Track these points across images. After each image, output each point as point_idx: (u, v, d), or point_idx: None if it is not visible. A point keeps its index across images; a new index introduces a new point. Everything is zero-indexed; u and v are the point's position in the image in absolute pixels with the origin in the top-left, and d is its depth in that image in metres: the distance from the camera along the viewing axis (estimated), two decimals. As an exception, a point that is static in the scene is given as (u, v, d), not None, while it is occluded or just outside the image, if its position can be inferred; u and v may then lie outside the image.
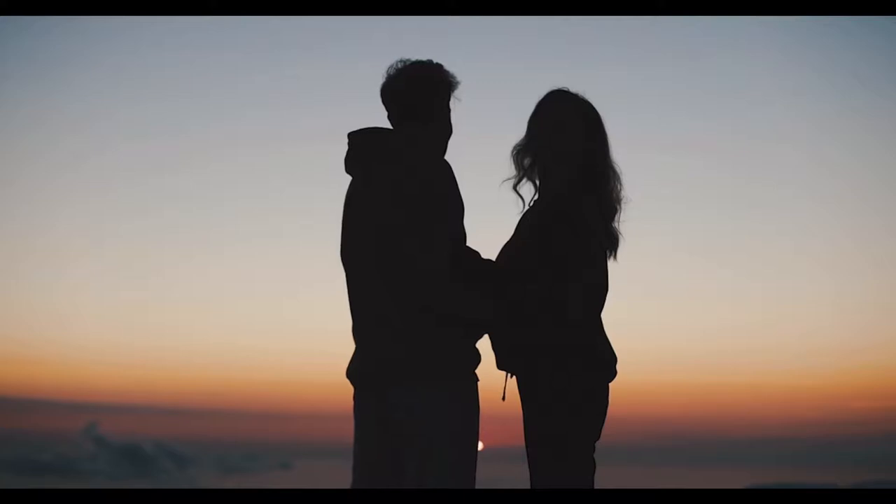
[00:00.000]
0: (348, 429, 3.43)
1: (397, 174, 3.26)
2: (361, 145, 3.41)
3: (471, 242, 3.37)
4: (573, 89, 3.63)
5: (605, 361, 3.47)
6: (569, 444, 3.40)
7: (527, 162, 3.65)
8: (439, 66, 3.45)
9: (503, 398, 3.52)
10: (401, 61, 3.45)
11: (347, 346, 3.44)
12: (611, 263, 3.56)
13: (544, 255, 3.41)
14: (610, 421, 3.50)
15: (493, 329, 3.42)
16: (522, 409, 3.49)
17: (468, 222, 3.32)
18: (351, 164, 3.45)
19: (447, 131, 3.49)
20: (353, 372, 3.40)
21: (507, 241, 3.60)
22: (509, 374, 3.53)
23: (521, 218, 3.64)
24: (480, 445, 3.34)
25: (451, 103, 3.48)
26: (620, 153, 3.63)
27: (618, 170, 3.63)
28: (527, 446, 3.49)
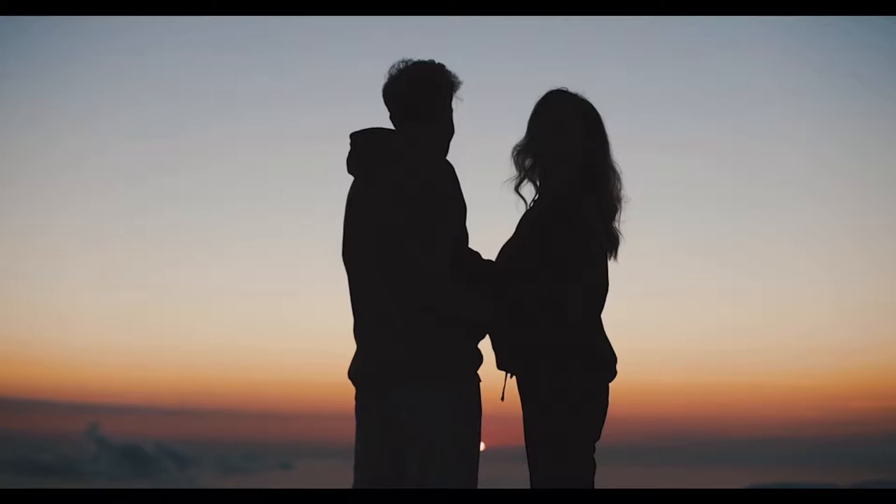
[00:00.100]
0: (349, 429, 3.44)
1: (399, 175, 3.26)
2: (364, 146, 3.41)
3: (472, 242, 3.37)
4: (573, 89, 3.63)
5: (605, 361, 3.47)
6: (569, 444, 3.40)
7: (527, 162, 3.66)
8: (441, 66, 3.45)
9: (502, 398, 3.52)
10: (402, 62, 3.45)
11: (348, 347, 3.45)
12: (611, 263, 3.56)
13: (544, 254, 3.41)
14: (610, 421, 3.51)
15: (494, 329, 3.42)
16: (522, 409, 3.49)
17: (469, 222, 3.32)
18: (353, 164, 3.45)
19: (449, 132, 3.49)
20: (354, 372, 3.40)
21: (508, 241, 3.60)
22: (509, 374, 3.53)
23: (522, 217, 3.64)
24: (482, 446, 3.34)
25: (454, 104, 3.48)
26: (620, 153, 3.64)
27: (618, 170, 3.63)
28: (527, 446, 3.49)
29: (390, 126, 3.48)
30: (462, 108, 3.50)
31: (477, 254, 3.40)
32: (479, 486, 3.32)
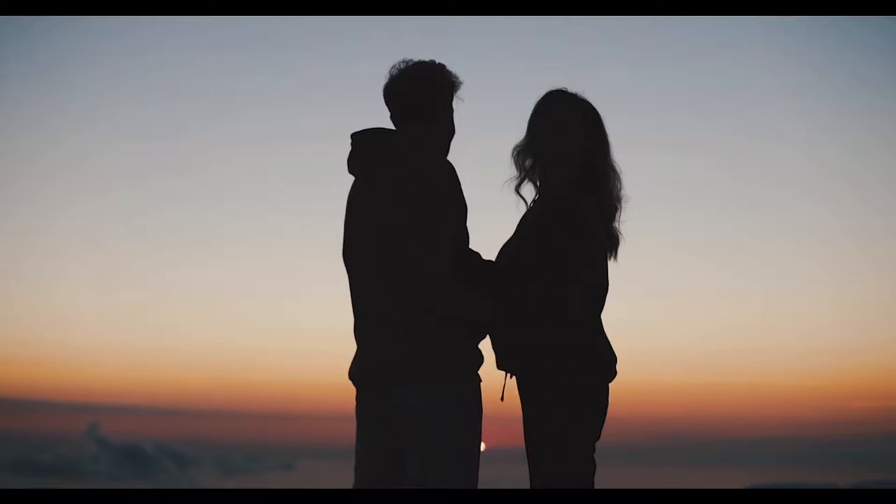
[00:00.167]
0: (350, 429, 3.44)
1: (400, 175, 3.26)
2: (365, 146, 3.42)
3: (472, 242, 3.37)
4: (573, 89, 3.63)
5: (605, 361, 3.47)
6: (569, 445, 3.40)
7: (527, 162, 3.66)
8: (442, 66, 3.45)
9: (502, 398, 3.52)
10: (403, 62, 3.45)
11: (348, 347, 3.45)
12: (611, 263, 3.56)
13: (544, 254, 3.41)
14: (610, 421, 3.51)
15: (494, 329, 3.42)
16: (522, 409, 3.49)
17: (469, 222, 3.32)
18: (354, 164, 3.45)
19: (450, 132, 3.49)
20: (355, 372, 3.40)
21: (508, 241, 3.60)
22: (509, 375, 3.53)
23: (522, 217, 3.64)
24: (483, 446, 3.34)
25: (454, 104, 3.49)
26: (620, 153, 3.64)
27: (618, 170, 3.63)
28: (527, 446, 3.49)
29: (391, 126, 3.48)
30: (462, 108, 3.51)
31: (477, 254, 3.40)
32: (480, 487, 3.32)
